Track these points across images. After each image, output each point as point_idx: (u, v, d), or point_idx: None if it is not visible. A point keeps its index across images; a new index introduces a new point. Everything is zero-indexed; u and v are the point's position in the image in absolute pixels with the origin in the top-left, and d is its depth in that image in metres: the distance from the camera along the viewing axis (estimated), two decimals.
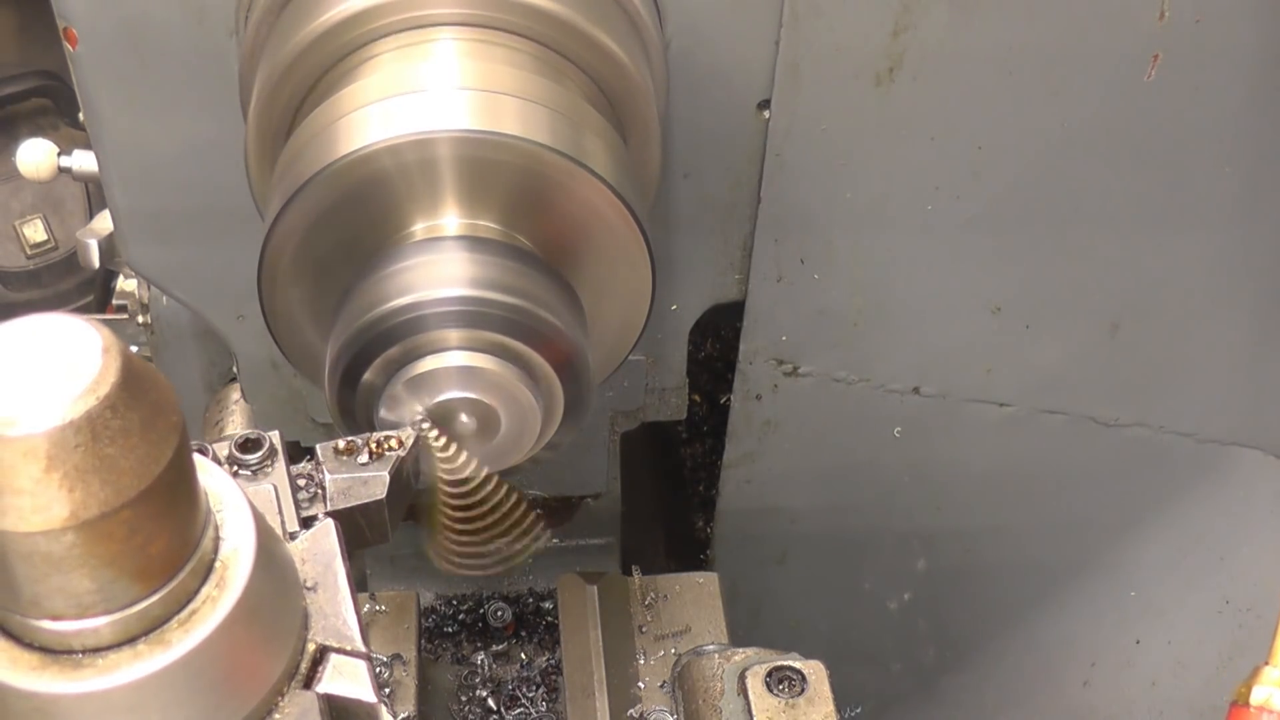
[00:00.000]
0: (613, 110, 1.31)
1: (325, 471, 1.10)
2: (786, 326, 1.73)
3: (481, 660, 1.77)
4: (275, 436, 1.08)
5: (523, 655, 1.79)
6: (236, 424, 1.97)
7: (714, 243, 1.63)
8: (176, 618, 0.82)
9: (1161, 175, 1.62)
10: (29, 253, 3.61)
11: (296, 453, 1.12)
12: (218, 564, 0.84)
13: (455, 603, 1.86)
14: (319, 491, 1.09)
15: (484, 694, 1.73)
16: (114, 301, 2.27)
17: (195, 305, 1.66)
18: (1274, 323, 1.80)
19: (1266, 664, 1.42)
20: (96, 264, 2.02)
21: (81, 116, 1.50)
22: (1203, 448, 1.93)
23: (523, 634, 1.82)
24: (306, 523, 1.03)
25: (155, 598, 0.80)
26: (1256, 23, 1.50)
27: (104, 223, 1.91)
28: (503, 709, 1.72)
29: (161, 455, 0.76)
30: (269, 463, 1.07)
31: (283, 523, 1.02)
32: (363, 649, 0.93)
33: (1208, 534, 2.01)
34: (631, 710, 1.61)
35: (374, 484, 1.11)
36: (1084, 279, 1.73)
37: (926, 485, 1.97)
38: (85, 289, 3.57)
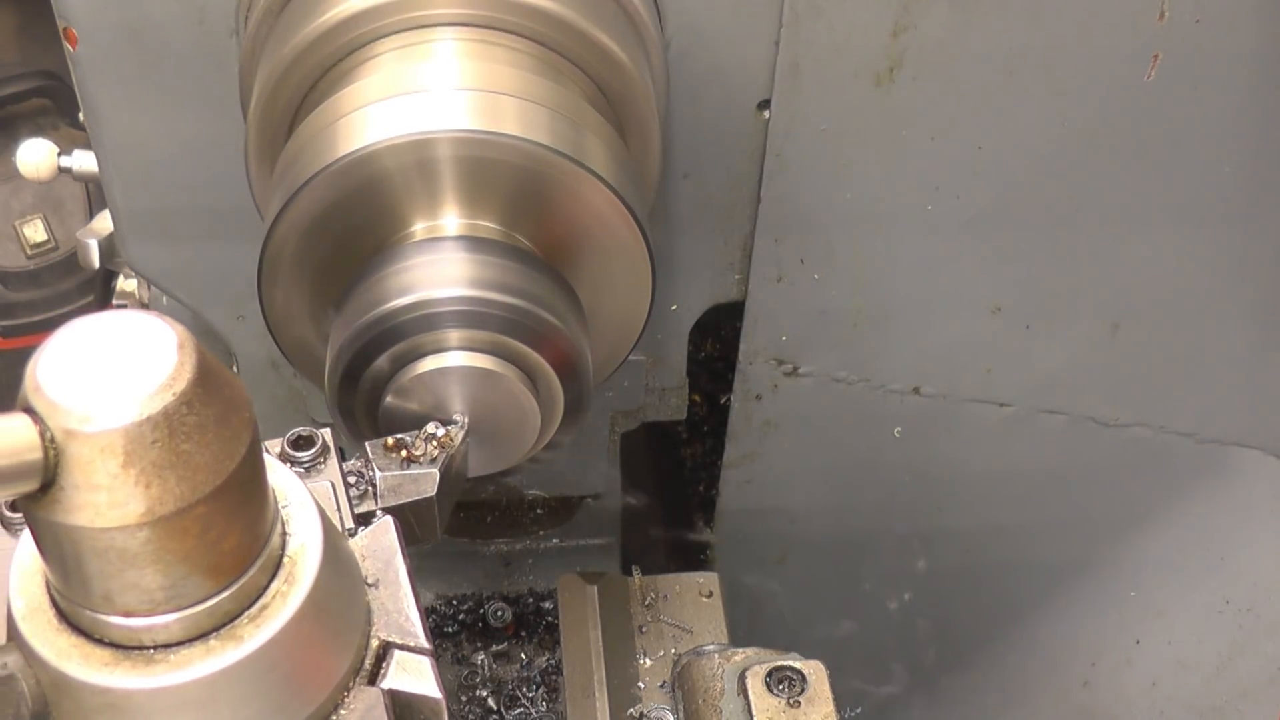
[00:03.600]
0: (613, 110, 1.31)
1: (375, 469, 1.10)
2: (786, 326, 1.73)
3: (481, 660, 1.77)
4: (327, 434, 1.08)
5: (523, 655, 1.79)
6: None
7: (714, 243, 1.63)
8: (247, 613, 0.82)
9: (1161, 175, 1.62)
10: (29, 253, 3.61)
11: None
12: (286, 560, 0.85)
13: (455, 603, 1.86)
14: (369, 489, 1.09)
15: (484, 694, 1.73)
16: (114, 301, 2.27)
17: (195, 305, 1.66)
18: (1274, 323, 1.80)
19: None
20: (96, 264, 2.01)
21: (81, 116, 1.50)
22: (1203, 448, 1.93)
23: (523, 634, 1.82)
24: (361, 520, 1.03)
25: (226, 593, 0.80)
26: (1256, 23, 1.50)
27: (104, 223, 1.91)
28: (503, 709, 1.72)
29: (235, 451, 0.76)
30: (322, 460, 1.07)
31: (341, 520, 1.02)
32: (426, 645, 0.93)
33: (1208, 534, 2.00)
34: (631, 710, 1.61)
35: (424, 481, 1.11)
36: (1084, 279, 1.73)
37: (926, 485, 1.97)
38: (85, 289, 3.56)
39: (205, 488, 0.75)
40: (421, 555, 1.87)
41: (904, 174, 1.59)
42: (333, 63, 1.26)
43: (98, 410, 0.72)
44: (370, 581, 0.96)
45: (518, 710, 1.72)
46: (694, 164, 1.54)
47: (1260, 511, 1.97)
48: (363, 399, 1.19)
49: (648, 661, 1.67)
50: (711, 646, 1.57)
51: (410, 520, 1.11)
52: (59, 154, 1.95)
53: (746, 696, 1.44)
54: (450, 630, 1.82)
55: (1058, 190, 1.63)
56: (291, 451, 1.06)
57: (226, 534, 0.78)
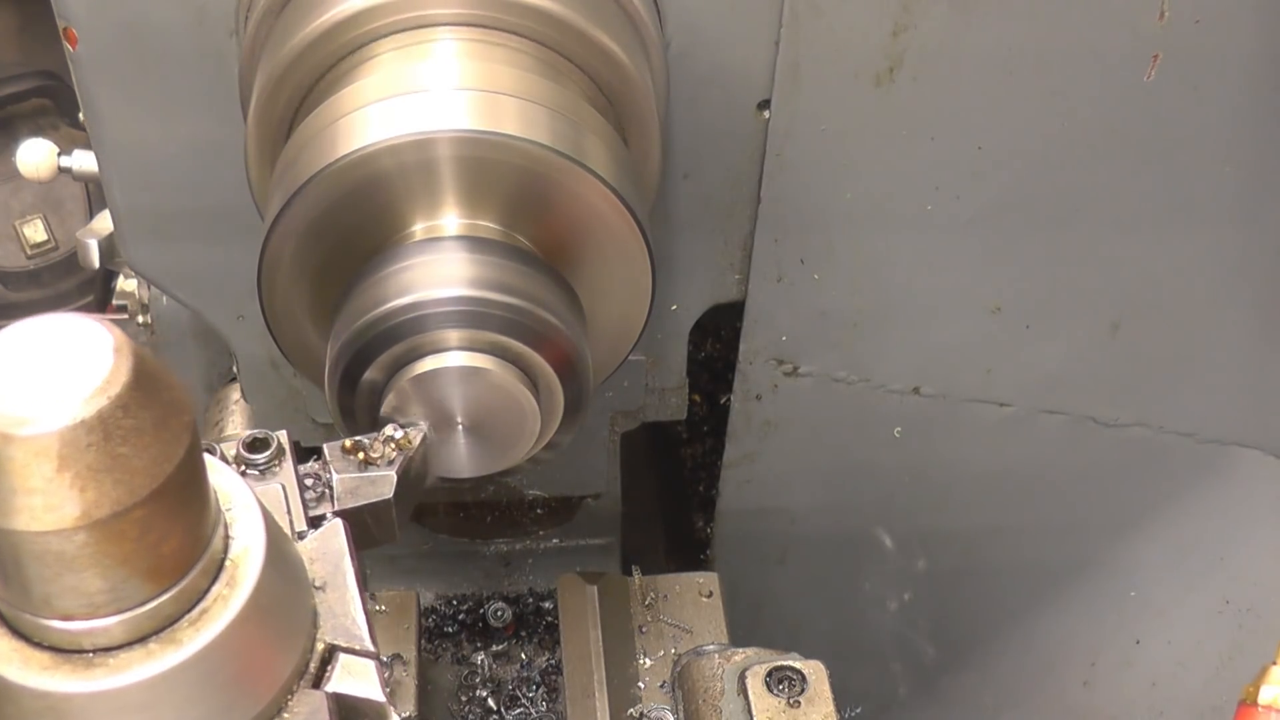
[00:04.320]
0: (613, 110, 1.31)
1: (333, 471, 1.10)
2: (786, 326, 1.73)
3: (481, 660, 1.77)
4: (283, 436, 1.08)
5: (523, 655, 1.79)
6: (236, 424, 1.97)
7: (714, 243, 1.63)
8: (187, 616, 0.82)
9: (1161, 175, 1.62)
10: (29, 253, 3.61)
11: (301, 453, 1.12)
12: (228, 563, 0.84)
13: (455, 603, 1.86)
14: (326, 491, 1.09)
15: (484, 694, 1.73)
16: (114, 301, 2.27)
17: (195, 305, 1.66)
18: (1274, 323, 1.80)
19: (1274, 663, 1.42)
20: (96, 264, 2.02)
21: (81, 116, 1.50)
22: (1203, 448, 1.93)
23: (523, 634, 1.82)
24: (314, 522, 1.03)
25: (166, 596, 0.80)
26: (1256, 23, 1.50)
27: (104, 223, 1.91)
28: (503, 709, 1.72)
29: (174, 454, 0.76)
30: (277, 462, 1.07)
31: (291, 522, 1.02)
32: (371, 648, 0.93)
33: (1208, 534, 2.00)
34: (631, 710, 1.61)
35: (381, 483, 1.11)
36: (1084, 279, 1.73)
37: (926, 485, 1.97)
38: (85, 289, 3.57)
39: (142, 491, 0.75)
40: (421, 555, 1.89)
41: (904, 174, 1.59)
42: (332, 63, 1.26)
43: (32, 414, 0.72)
44: (318, 584, 0.95)
45: (518, 710, 1.72)
46: (694, 164, 1.54)
47: (1260, 511, 1.97)
48: (363, 399, 1.19)
49: (648, 661, 1.67)
50: (711, 646, 1.57)
51: (368, 522, 1.11)
52: (59, 154, 1.95)
53: (746, 696, 1.44)
54: (450, 630, 1.82)
55: (1058, 190, 1.63)
56: (247, 454, 1.06)
57: (166, 537, 0.78)
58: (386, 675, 1.65)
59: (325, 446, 1.12)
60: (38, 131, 3.52)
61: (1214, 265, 1.74)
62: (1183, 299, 1.77)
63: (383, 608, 1.74)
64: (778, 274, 1.67)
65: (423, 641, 1.77)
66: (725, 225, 1.62)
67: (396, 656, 1.68)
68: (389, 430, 1.15)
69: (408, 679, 1.66)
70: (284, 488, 1.04)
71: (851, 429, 1.87)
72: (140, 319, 2.07)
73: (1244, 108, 1.57)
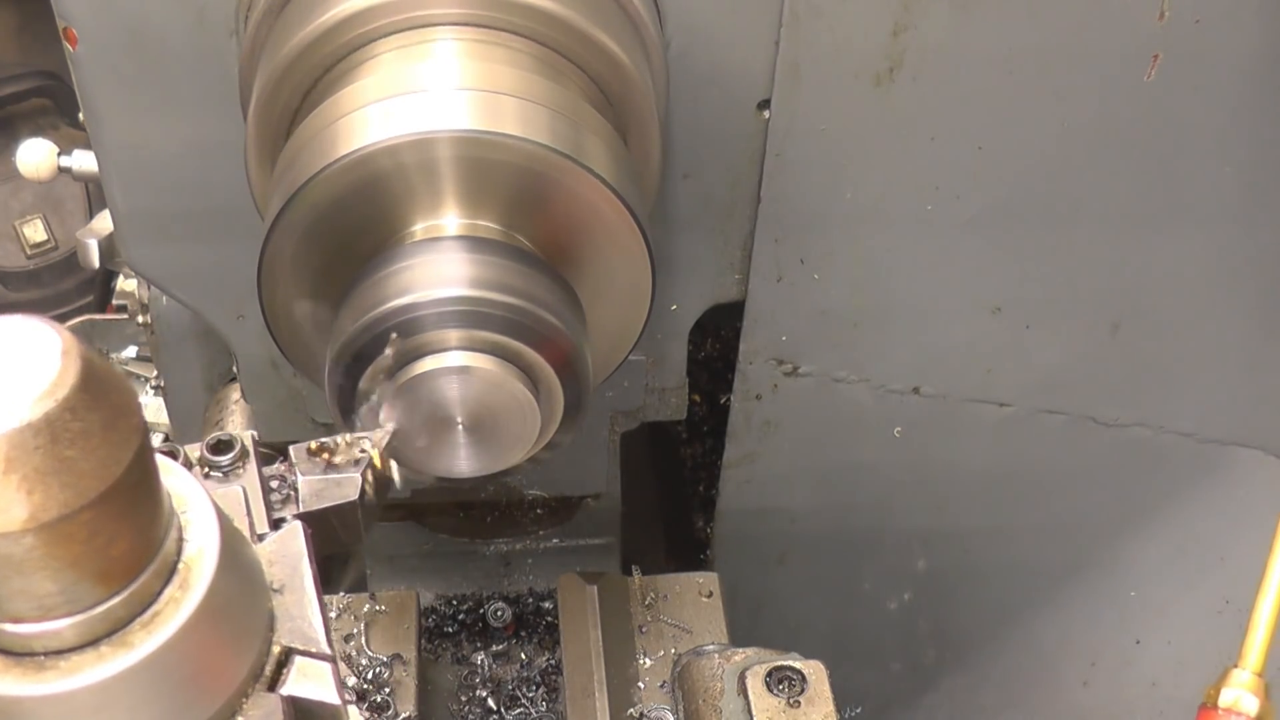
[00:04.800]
0: (613, 110, 1.31)
1: (298, 473, 1.10)
2: (786, 326, 1.73)
3: (481, 660, 1.77)
4: (247, 438, 1.07)
5: (523, 655, 1.79)
6: (236, 424, 1.97)
7: (714, 243, 1.63)
8: (139, 619, 0.81)
9: (1161, 175, 1.62)
10: (29, 253, 3.61)
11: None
12: (181, 565, 0.84)
13: (455, 603, 1.86)
14: (292, 493, 1.08)
15: (484, 694, 1.73)
16: (114, 301, 2.28)
17: (195, 305, 1.66)
18: (1274, 323, 1.80)
19: (1235, 666, 1.42)
20: (96, 264, 2.02)
21: (81, 116, 1.50)
22: (1203, 448, 1.93)
23: (523, 634, 1.82)
24: (278, 524, 1.03)
25: (117, 599, 0.80)
26: (1256, 23, 1.50)
27: (104, 223, 1.91)
28: (503, 709, 1.72)
29: (122, 457, 0.76)
30: (240, 464, 1.06)
31: (251, 524, 1.01)
32: (328, 651, 0.93)
33: (1208, 534, 2.00)
34: (631, 710, 1.61)
35: (347, 485, 1.10)
36: (1084, 279, 1.73)
37: (926, 485, 1.97)
38: (85, 289, 3.57)
39: (90, 493, 0.74)
40: (421, 555, 1.89)
41: (904, 174, 1.59)
42: (332, 63, 1.26)
43: None
44: (275, 587, 0.95)
45: (518, 710, 1.72)
46: (694, 164, 1.54)
47: (1259, 511, 1.97)
48: (363, 399, 1.19)
49: (648, 661, 1.67)
50: (711, 646, 1.57)
51: (334, 524, 1.10)
52: (59, 154, 1.95)
53: (746, 696, 1.44)
54: (450, 630, 1.82)
55: (1058, 190, 1.63)
56: (210, 456, 1.06)
57: (115, 539, 0.78)
58: (384, 675, 1.65)
59: (291, 448, 1.12)
60: (38, 131, 3.53)
61: (1214, 265, 1.74)
62: (1183, 299, 1.77)
63: (383, 608, 1.74)
64: (778, 274, 1.67)
65: (423, 641, 1.77)
66: (725, 225, 1.62)
67: (396, 656, 1.68)
68: (355, 432, 1.15)
69: (408, 679, 1.66)
70: (245, 490, 1.03)
71: (851, 429, 1.87)
72: (140, 319, 2.07)
73: (1244, 108, 1.57)
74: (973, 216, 1.63)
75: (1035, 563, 2.09)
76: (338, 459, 1.11)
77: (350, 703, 0.94)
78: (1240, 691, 1.40)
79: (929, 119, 1.54)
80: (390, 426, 1.17)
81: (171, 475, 0.87)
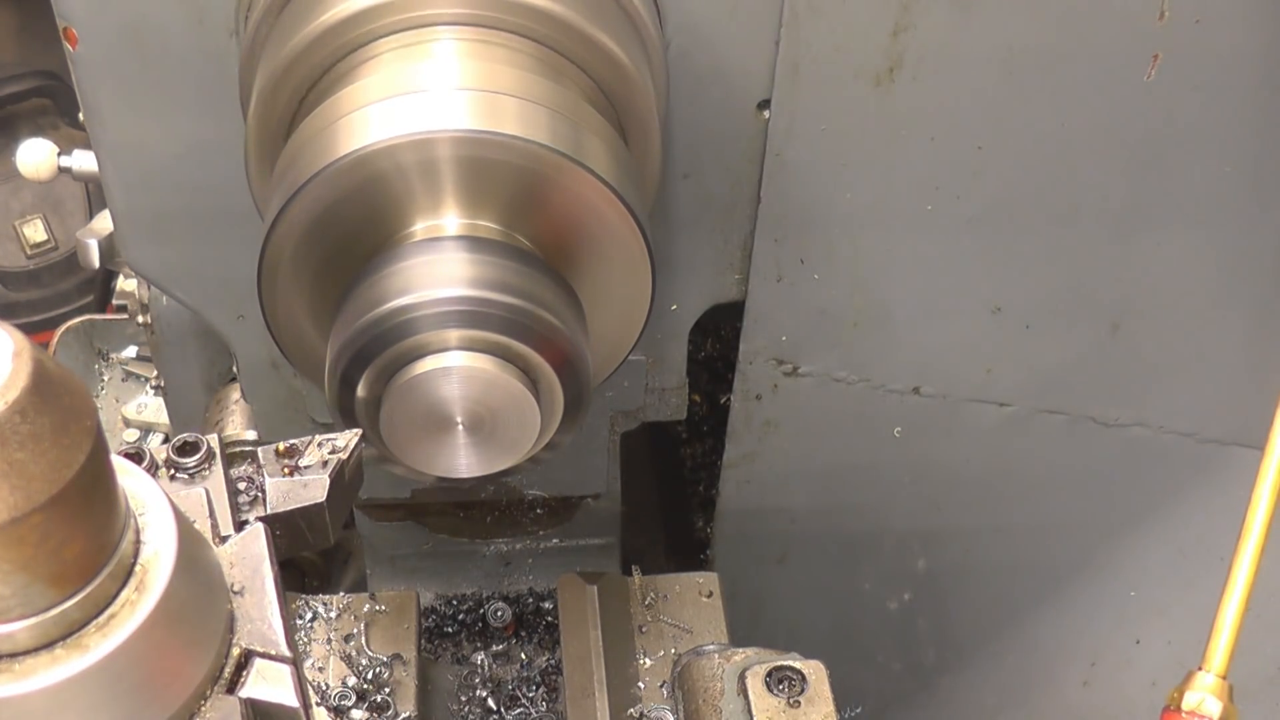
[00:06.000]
0: (613, 110, 1.31)
1: (265, 475, 1.09)
2: (786, 326, 1.73)
3: (481, 660, 1.77)
4: (213, 440, 1.07)
5: (523, 655, 1.79)
6: (236, 424, 1.97)
7: (714, 243, 1.63)
8: (95, 622, 0.81)
9: (1162, 175, 1.62)
10: (29, 253, 3.61)
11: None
12: (138, 567, 0.84)
13: (455, 603, 1.86)
14: (259, 495, 1.08)
15: (484, 694, 1.73)
16: (114, 301, 2.28)
17: (195, 305, 1.66)
18: (1274, 323, 1.80)
19: (1199, 669, 1.41)
20: (96, 264, 2.02)
21: (81, 116, 1.50)
22: (1203, 448, 1.93)
23: (523, 634, 1.82)
24: (244, 526, 1.03)
25: (72, 602, 0.80)
26: (1257, 23, 1.50)
27: (104, 223, 1.92)
28: (503, 709, 1.72)
29: (74, 460, 0.76)
30: (207, 466, 1.06)
31: (214, 526, 1.01)
32: (287, 653, 0.92)
33: (1208, 534, 2.00)
34: (631, 710, 1.61)
35: (314, 487, 1.10)
36: (1084, 279, 1.73)
37: (926, 485, 1.97)
38: (85, 289, 3.57)
39: (40, 496, 0.74)
40: (421, 555, 1.89)
41: (904, 174, 1.59)
42: (332, 63, 1.26)
43: None
44: (236, 589, 0.95)
45: (518, 710, 1.72)
46: (694, 164, 1.54)
47: None
48: (363, 399, 1.19)
49: (648, 661, 1.67)
50: (711, 646, 1.57)
51: (301, 526, 1.10)
52: (59, 154, 1.95)
53: (746, 696, 1.44)
54: (450, 630, 1.82)
55: (1058, 190, 1.63)
56: (177, 458, 1.06)
57: (68, 542, 0.77)
58: (384, 675, 1.65)
59: (259, 450, 1.12)
60: (38, 131, 3.53)
61: (1214, 265, 1.74)
62: (1182, 299, 1.77)
63: (383, 608, 1.74)
64: (778, 274, 1.67)
65: (423, 641, 1.77)
66: (725, 225, 1.62)
67: (396, 656, 1.68)
68: (323, 434, 1.15)
69: (408, 679, 1.66)
70: (208, 491, 1.03)
71: (851, 429, 1.87)
72: (140, 319, 2.07)
73: (1244, 108, 1.57)
74: (973, 216, 1.63)
75: (1035, 563, 2.09)
76: (305, 461, 1.11)
77: (315, 705, 0.93)
78: (1204, 694, 1.39)
79: (929, 119, 1.54)
80: (358, 430, 1.17)
81: (129, 477, 0.87)
